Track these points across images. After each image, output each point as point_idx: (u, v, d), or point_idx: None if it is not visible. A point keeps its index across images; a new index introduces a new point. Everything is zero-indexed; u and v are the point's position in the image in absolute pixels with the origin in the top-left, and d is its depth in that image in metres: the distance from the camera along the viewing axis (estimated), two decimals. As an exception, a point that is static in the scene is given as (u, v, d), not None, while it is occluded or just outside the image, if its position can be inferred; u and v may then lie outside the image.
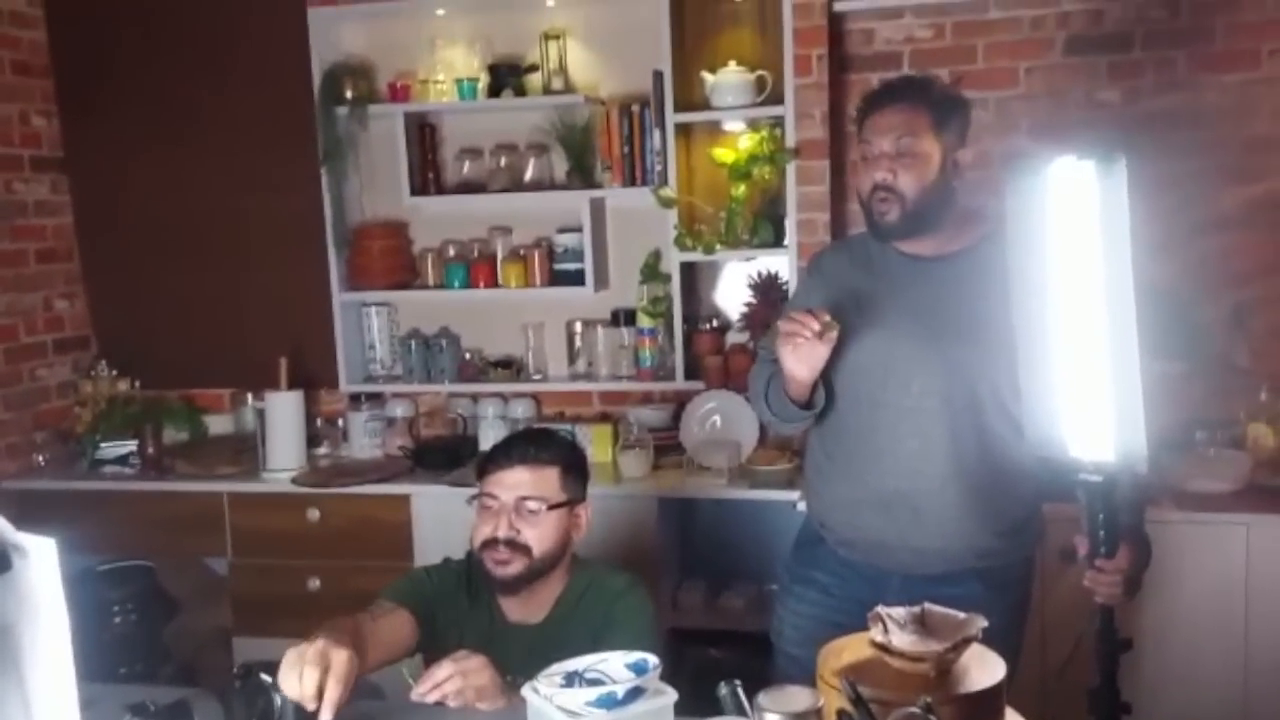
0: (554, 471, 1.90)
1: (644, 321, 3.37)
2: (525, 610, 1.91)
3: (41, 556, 0.60)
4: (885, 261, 1.95)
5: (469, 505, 1.94)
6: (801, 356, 1.81)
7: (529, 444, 1.94)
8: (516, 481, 1.88)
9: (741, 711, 1.31)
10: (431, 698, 1.61)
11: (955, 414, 1.88)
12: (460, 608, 1.93)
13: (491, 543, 1.86)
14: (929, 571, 1.90)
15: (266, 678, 1.57)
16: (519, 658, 1.74)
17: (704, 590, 3.19)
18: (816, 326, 1.77)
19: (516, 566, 1.85)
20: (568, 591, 1.93)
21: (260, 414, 3.32)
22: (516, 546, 1.85)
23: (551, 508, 1.87)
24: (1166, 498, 2.67)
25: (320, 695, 1.46)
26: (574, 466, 1.95)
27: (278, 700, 1.55)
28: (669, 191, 3.18)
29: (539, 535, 1.86)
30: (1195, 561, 2.61)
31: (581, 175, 3.33)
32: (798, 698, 1.22)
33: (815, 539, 2.06)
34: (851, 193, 3.05)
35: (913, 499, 1.89)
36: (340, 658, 1.49)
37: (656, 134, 3.19)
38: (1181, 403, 2.87)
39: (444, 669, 1.63)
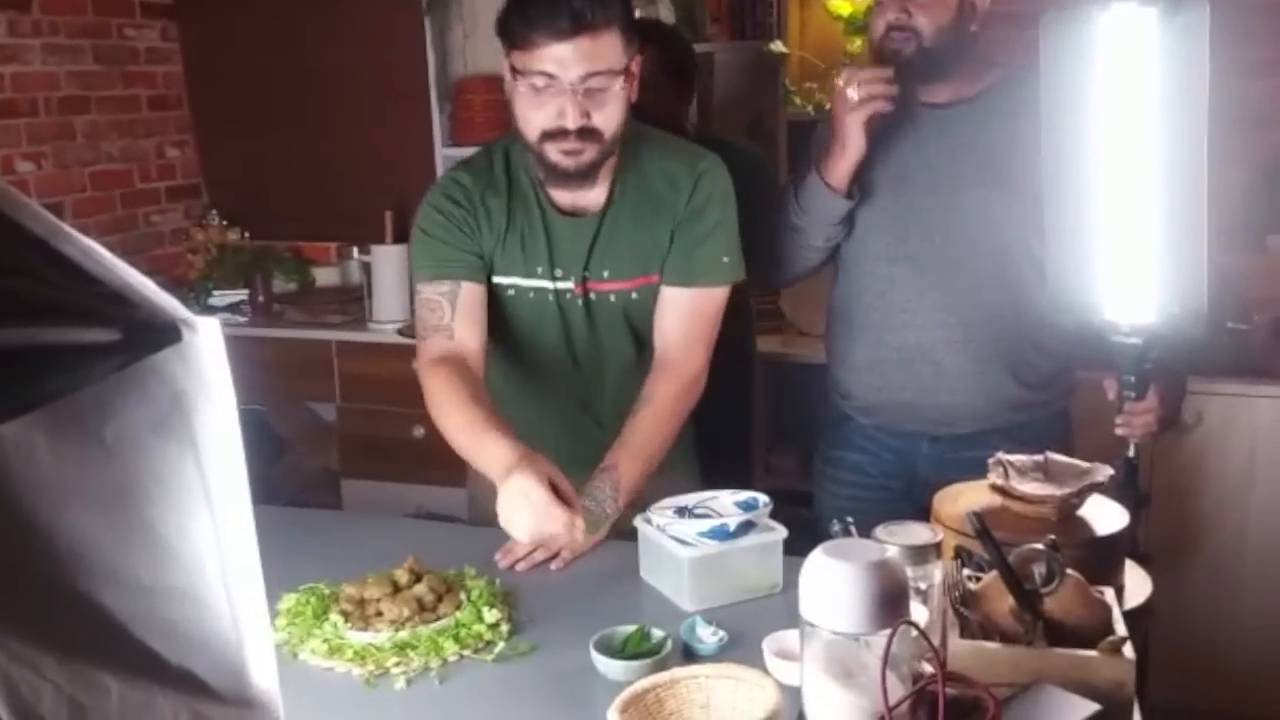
0: (615, 32, 1.50)
1: (747, 183, 3.30)
2: (579, 197, 1.64)
3: (208, 332, 0.61)
4: (899, 112, 1.80)
5: (508, 87, 1.56)
6: (857, 116, 1.72)
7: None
8: (578, 55, 1.47)
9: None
10: (522, 566, 1.56)
11: (980, 263, 1.82)
12: (500, 209, 1.64)
13: (559, 133, 1.52)
14: (957, 430, 1.86)
15: None
16: (577, 249, 1.61)
17: (797, 454, 3.20)
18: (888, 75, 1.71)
19: (589, 154, 1.54)
20: (626, 168, 1.64)
21: (366, 267, 3.37)
22: (588, 133, 1.52)
23: (615, 75, 1.51)
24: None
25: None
26: (629, 14, 1.58)
27: None
28: (779, 46, 3.06)
29: (609, 116, 1.52)
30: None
31: (689, 27, 3.22)
32: (916, 533, 1.22)
33: (841, 417, 2.01)
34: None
35: (935, 353, 1.84)
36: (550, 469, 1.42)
37: (770, -18, 3.06)
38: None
39: (523, 544, 1.52)
